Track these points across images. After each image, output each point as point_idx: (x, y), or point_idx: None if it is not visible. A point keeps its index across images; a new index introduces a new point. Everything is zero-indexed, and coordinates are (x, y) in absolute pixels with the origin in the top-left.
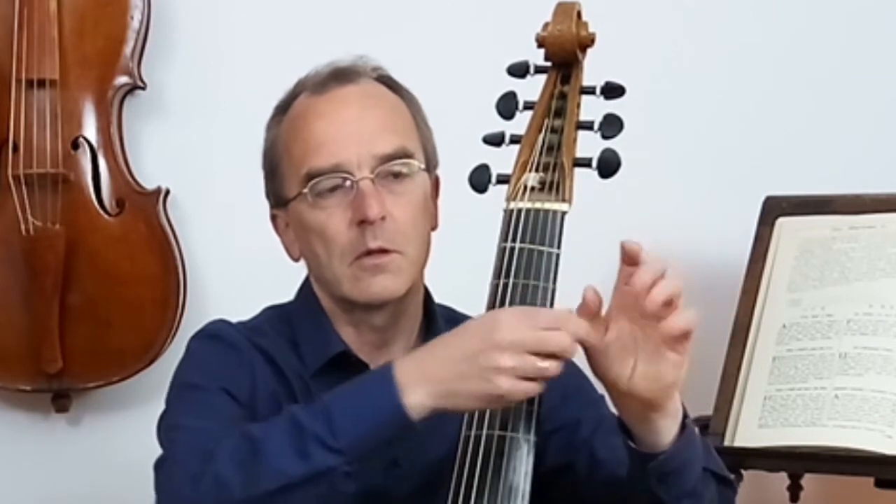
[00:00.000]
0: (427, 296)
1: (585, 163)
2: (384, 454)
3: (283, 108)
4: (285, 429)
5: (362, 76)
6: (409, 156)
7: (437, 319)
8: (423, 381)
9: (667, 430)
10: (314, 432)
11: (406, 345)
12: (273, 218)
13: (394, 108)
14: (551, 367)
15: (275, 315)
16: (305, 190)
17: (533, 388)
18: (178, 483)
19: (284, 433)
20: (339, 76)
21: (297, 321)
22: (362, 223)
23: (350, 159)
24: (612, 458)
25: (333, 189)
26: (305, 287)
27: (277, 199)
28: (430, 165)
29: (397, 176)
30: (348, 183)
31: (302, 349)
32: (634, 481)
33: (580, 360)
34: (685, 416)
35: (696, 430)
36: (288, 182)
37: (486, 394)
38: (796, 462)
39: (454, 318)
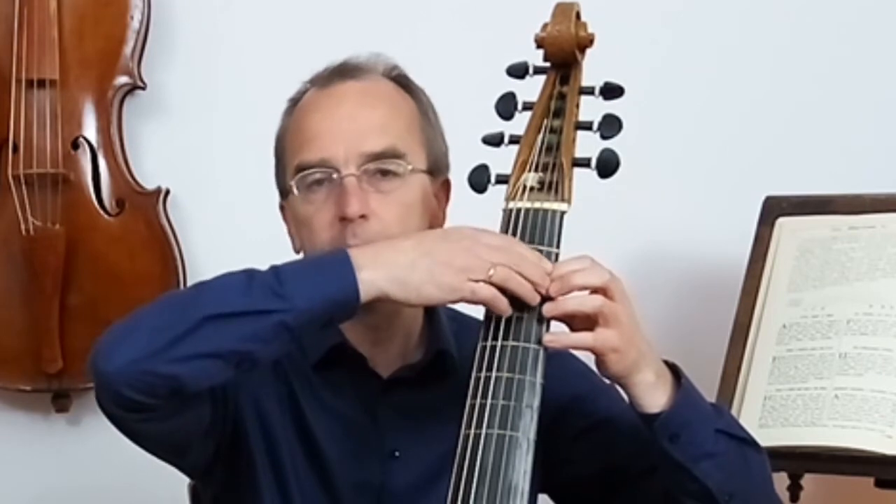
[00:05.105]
0: None
1: (584, 163)
2: (325, 325)
3: (294, 101)
4: (235, 275)
5: (369, 73)
6: (399, 156)
7: (440, 318)
8: (377, 263)
9: (649, 388)
10: (263, 279)
11: (404, 345)
12: (281, 209)
13: (394, 106)
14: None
15: None
16: (292, 182)
17: (487, 290)
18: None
19: (233, 277)
20: (345, 72)
21: None
22: (343, 220)
23: (336, 155)
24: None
25: (320, 182)
26: None
27: (280, 189)
28: (434, 168)
29: (385, 174)
30: (335, 177)
31: (304, 340)
32: (652, 448)
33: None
34: (681, 379)
35: (701, 396)
36: (286, 174)
37: (435, 285)
38: (796, 462)
39: (456, 318)
